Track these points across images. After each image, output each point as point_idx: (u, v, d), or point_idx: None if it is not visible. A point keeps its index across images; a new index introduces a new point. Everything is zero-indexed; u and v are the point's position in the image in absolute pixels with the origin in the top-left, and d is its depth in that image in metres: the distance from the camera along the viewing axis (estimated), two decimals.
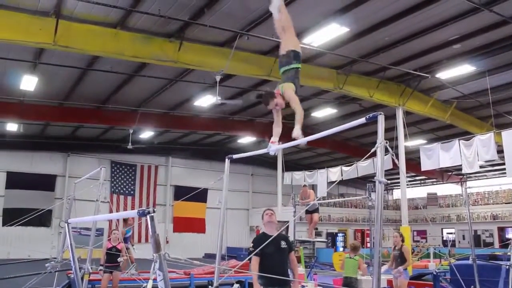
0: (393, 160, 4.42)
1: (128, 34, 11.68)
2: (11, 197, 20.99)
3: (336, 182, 7.73)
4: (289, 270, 5.57)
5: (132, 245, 12.79)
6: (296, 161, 28.37)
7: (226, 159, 6.22)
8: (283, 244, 5.44)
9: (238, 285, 9.98)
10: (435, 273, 11.28)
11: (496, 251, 18.82)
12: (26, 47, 11.64)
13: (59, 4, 10.23)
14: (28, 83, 14.13)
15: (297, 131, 4.82)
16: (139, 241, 23.43)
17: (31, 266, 10.03)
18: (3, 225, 20.10)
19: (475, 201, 27.01)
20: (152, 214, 2.50)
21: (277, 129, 5.29)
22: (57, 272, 7.63)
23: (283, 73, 5.46)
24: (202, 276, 11.38)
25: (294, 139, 4.82)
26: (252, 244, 5.41)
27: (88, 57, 13.18)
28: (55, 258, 7.60)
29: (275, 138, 5.23)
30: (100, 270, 9.31)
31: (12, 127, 19.42)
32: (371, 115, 3.79)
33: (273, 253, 5.23)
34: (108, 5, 10.11)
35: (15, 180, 21.32)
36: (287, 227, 12.26)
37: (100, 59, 13.16)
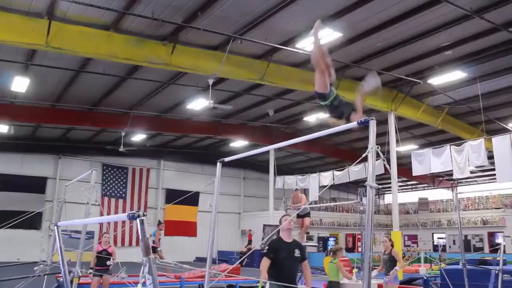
0: (384, 165, 4.44)
1: (121, 37, 11.65)
2: (1, 199, 20.78)
3: (327, 187, 7.77)
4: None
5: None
6: (288, 165, 28.40)
7: (218, 163, 6.22)
8: (297, 252, 5.60)
9: None
10: (425, 277, 11.35)
11: (486, 256, 18.91)
12: (18, 48, 11.56)
13: (52, 5, 10.18)
14: (20, 84, 14.03)
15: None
16: (130, 244, 23.36)
17: (20, 270, 9.94)
18: None
19: (466, 206, 27.21)
20: (142, 218, 2.48)
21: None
22: (46, 276, 7.57)
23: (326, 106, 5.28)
24: (193, 280, 11.32)
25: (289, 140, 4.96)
26: (267, 247, 5.64)
27: (81, 59, 13.12)
28: (44, 261, 7.53)
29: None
30: (89, 273, 9.24)
31: (3, 128, 19.24)
32: (362, 119, 3.82)
33: (285, 259, 5.45)
34: (102, 7, 10.08)
35: (5, 182, 21.09)
36: (278, 231, 12.27)
37: (93, 61, 13.12)
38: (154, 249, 13.79)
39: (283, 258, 5.41)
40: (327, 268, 9.16)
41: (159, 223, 14.97)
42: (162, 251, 13.46)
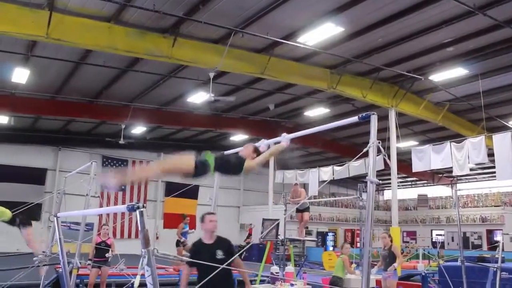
0: (384, 160, 4.43)
1: (122, 29, 11.60)
2: (0, 190, 20.78)
3: (327, 182, 7.75)
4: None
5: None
6: (288, 159, 28.36)
7: None
8: (220, 254, 4.94)
9: None
10: (423, 274, 11.38)
11: (484, 253, 18.96)
12: (18, 39, 11.52)
13: None
14: (20, 75, 14.01)
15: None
16: (129, 236, 23.40)
17: (20, 260, 9.94)
18: None
19: (465, 204, 27.24)
20: (142, 210, 2.48)
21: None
22: (45, 266, 7.58)
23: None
24: (191, 273, 11.34)
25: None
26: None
27: (81, 51, 13.07)
28: (43, 252, 7.54)
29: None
30: (88, 264, 9.27)
31: (3, 119, 19.24)
32: (364, 114, 3.81)
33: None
34: None
35: (5, 173, 21.08)
36: (278, 225, 12.28)
37: (93, 53, 13.07)
38: (178, 243, 13.93)
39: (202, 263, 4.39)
40: (336, 263, 9.25)
41: (184, 217, 14.87)
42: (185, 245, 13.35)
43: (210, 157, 4.19)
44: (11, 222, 7.11)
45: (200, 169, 4.09)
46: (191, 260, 4.55)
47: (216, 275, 3.98)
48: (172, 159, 4.35)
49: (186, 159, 4.09)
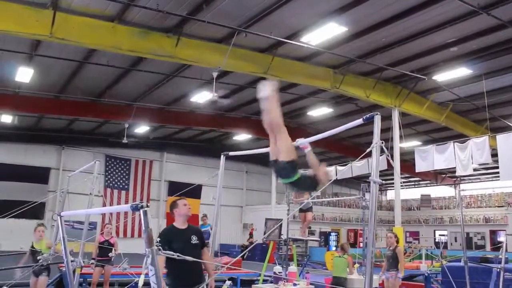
0: (388, 160, 4.43)
1: (126, 28, 11.63)
2: (4, 189, 20.85)
3: (330, 182, 7.74)
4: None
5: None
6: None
7: (222, 156, 6.22)
8: (194, 239, 4.75)
9: (230, 282, 10.01)
10: (426, 274, 11.33)
11: (487, 254, 18.90)
12: (22, 38, 11.57)
13: None
14: (24, 74, 14.06)
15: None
16: (132, 235, 23.43)
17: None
18: None
19: (468, 204, 27.14)
20: (146, 209, 2.49)
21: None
22: (48, 265, 7.60)
23: (289, 184, 4.68)
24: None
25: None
26: (158, 239, 4.48)
27: (85, 50, 13.11)
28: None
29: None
30: (91, 263, 9.29)
31: (6, 119, 19.31)
32: (368, 115, 3.81)
33: (182, 249, 4.08)
34: None
35: (9, 172, 21.17)
36: (281, 225, 12.27)
37: (97, 52, 13.11)
38: None
39: (178, 248, 4.08)
40: (334, 263, 9.18)
41: (204, 215, 14.92)
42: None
43: (298, 174, 4.46)
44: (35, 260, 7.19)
45: (287, 168, 4.38)
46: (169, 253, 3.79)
47: (194, 259, 3.95)
48: (285, 133, 4.44)
49: (292, 148, 4.46)
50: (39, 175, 22.11)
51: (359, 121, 4.00)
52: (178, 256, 3.44)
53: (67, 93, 16.97)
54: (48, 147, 22.97)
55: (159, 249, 3.81)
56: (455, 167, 15.29)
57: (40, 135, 22.13)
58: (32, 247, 7.59)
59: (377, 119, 3.69)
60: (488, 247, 24.54)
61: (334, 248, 24.22)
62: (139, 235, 22.88)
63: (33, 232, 7.85)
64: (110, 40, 11.49)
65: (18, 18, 10.31)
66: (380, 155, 3.78)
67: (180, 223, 4.77)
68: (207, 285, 4.83)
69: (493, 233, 25.66)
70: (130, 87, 16.55)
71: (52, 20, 10.36)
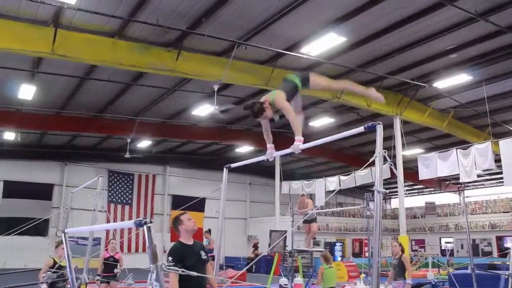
0: (391, 169, 4.41)
1: (126, 44, 11.70)
2: (8, 206, 20.87)
3: (334, 192, 7.69)
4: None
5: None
6: (294, 170, 28.35)
7: (224, 169, 6.22)
8: (203, 254, 4.66)
9: None
10: (433, 282, 11.27)
11: (494, 260, 18.78)
12: (24, 56, 11.64)
13: (58, 13, 10.25)
14: (26, 92, 14.12)
15: (296, 144, 4.76)
16: (137, 250, 23.35)
17: (28, 276, 9.94)
18: None
19: (473, 210, 26.98)
20: (149, 225, 2.48)
21: (268, 136, 5.33)
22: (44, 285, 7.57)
23: (283, 80, 5.34)
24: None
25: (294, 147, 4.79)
26: (171, 258, 4.36)
27: (86, 66, 13.19)
28: (51, 267, 7.54)
29: (269, 144, 5.26)
30: (97, 280, 9.24)
31: (9, 136, 19.37)
32: (369, 124, 3.80)
33: (194, 266, 4.17)
34: (107, 15, 10.13)
35: (12, 189, 21.20)
36: (285, 237, 12.22)
37: (98, 68, 13.18)
38: None
39: (191, 265, 4.13)
40: (326, 275, 9.07)
41: (208, 230, 14.84)
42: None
43: (294, 78, 5.14)
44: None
45: (291, 94, 5.10)
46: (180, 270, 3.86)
47: (204, 276, 4.09)
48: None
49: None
50: (43, 192, 22.11)
51: (360, 129, 4.00)
52: (192, 274, 3.45)
53: (69, 109, 17.04)
54: (51, 163, 22.99)
55: (172, 266, 3.96)
56: (458, 174, 15.24)
57: (43, 151, 22.19)
58: (55, 263, 7.55)
59: (379, 129, 3.69)
60: (495, 253, 24.34)
61: (339, 259, 24.10)
62: (143, 250, 22.77)
63: (54, 248, 7.86)
64: (111, 55, 11.56)
65: (21, 36, 10.39)
66: (383, 164, 3.77)
67: (186, 239, 4.64)
68: None
69: (500, 239, 25.48)
70: (132, 102, 16.61)
71: (53, 37, 10.44)
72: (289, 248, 11.35)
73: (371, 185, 3.92)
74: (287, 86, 5.16)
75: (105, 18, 10.49)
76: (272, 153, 5.23)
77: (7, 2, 9.73)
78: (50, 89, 14.83)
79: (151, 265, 2.53)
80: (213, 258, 7.53)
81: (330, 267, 9.20)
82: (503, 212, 26.01)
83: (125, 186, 24.68)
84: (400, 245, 9.22)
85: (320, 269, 9.21)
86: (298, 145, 4.73)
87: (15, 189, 21.21)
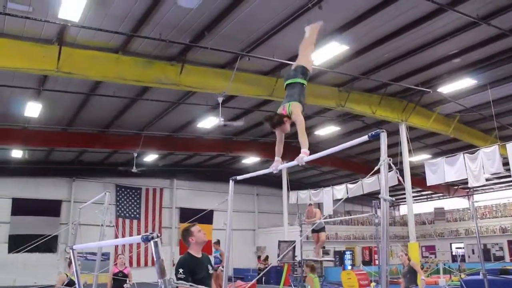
0: (398, 177, 4.40)
1: (130, 59, 11.80)
2: (17, 223, 20.95)
3: (342, 200, 7.70)
4: None
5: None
6: (301, 179, 28.28)
7: (230, 181, 6.23)
8: (210, 268, 4.70)
9: None
10: None
11: (507, 265, 18.55)
12: (30, 74, 11.76)
13: (62, 31, 10.37)
14: (32, 110, 14.24)
15: (300, 156, 4.75)
16: (146, 264, 23.30)
17: None
18: (8, 252, 20.00)
19: (483, 215, 26.75)
20: (156, 240, 2.49)
21: (279, 148, 5.33)
22: None
23: (287, 86, 5.43)
24: None
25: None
26: (181, 270, 4.39)
27: (91, 83, 13.29)
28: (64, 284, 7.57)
29: (277, 157, 5.29)
30: None
31: (17, 153, 19.50)
32: (373, 132, 3.80)
33: (203, 280, 4.34)
34: (110, 31, 10.23)
35: (21, 206, 21.28)
36: (294, 247, 12.16)
37: (103, 84, 13.27)
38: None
39: (200, 278, 4.25)
40: (315, 284, 9.15)
41: (217, 241, 14.23)
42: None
43: (303, 81, 5.40)
44: None
45: (299, 70, 5.53)
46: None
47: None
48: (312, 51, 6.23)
49: (311, 62, 5.95)
50: (51, 208, 22.16)
51: (364, 138, 3.99)
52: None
53: (75, 126, 17.15)
54: (59, 179, 23.08)
55: (183, 278, 4.09)
56: (467, 179, 15.14)
57: (51, 168, 22.30)
58: (71, 280, 7.59)
59: (383, 136, 3.68)
60: (507, 257, 24.07)
61: (349, 267, 23.90)
62: (153, 264, 22.66)
63: (68, 266, 7.88)
64: (115, 71, 11.65)
65: (26, 54, 10.52)
66: (390, 171, 3.76)
67: (196, 251, 4.64)
68: None
69: (511, 243, 25.20)
70: (137, 117, 16.69)
71: (58, 55, 10.56)
72: (298, 258, 11.30)
73: (379, 192, 3.91)
74: (297, 91, 5.26)
75: (108, 35, 10.60)
76: (278, 166, 5.25)
77: (12, 22, 9.85)
78: (56, 106, 14.95)
79: (159, 280, 2.53)
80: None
81: (315, 277, 9.29)
82: None
83: (132, 201, 24.70)
84: (406, 254, 9.30)
85: (310, 279, 9.28)
86: (303, 157, 4.73)
87: (23, 206, 21.28)
